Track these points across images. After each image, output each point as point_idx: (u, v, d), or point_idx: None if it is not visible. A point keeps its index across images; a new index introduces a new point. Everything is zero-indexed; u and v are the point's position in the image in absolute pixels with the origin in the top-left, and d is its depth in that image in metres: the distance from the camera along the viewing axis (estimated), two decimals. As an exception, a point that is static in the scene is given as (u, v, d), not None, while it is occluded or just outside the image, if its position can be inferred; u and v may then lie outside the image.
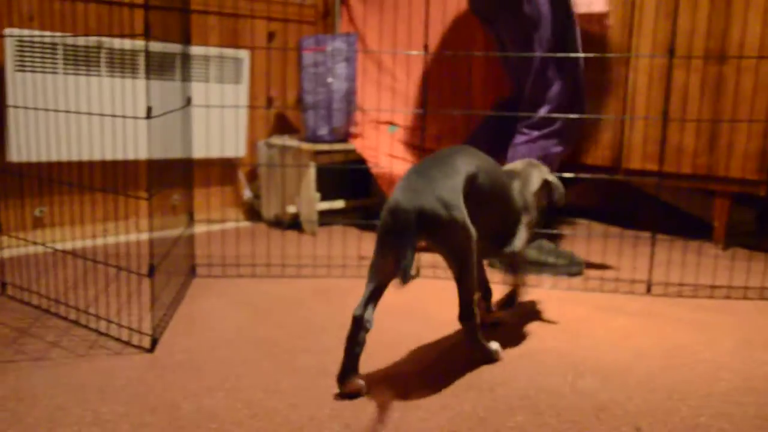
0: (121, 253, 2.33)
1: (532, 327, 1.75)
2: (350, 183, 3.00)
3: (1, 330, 1.64)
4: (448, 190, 1.34)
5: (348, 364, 1.34)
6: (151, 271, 1.56)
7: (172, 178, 1.91)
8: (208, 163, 2.79)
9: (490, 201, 1.49)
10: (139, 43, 2.43)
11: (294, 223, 2.79)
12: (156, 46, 1.63)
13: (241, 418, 1.25)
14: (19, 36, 2.20)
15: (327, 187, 2.81)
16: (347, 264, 2.28)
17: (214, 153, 2.71)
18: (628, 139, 2.68)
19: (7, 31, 2.20)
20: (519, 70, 2.32)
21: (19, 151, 2.26)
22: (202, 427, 1.21)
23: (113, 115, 1.70)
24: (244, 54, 2.74)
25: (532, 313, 1.86)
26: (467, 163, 1.42)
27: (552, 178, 1.73)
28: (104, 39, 2.37)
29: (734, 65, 2.43)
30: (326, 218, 2.82)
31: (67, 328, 1.66)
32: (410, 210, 1.29)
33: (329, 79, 2.68)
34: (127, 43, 2.42)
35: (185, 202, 2.18)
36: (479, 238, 1.41)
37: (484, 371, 1.48)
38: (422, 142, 2.68)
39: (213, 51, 2.66)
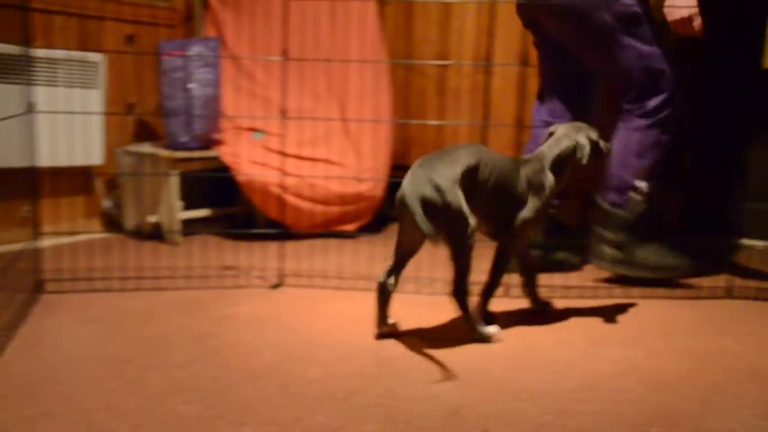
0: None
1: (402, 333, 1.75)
2: (216, 191, 2.92)
3: None
4: (444, 178, 1.56)
5: (381, 315, 1.70)
6: (-17, 289, 1.45)
7: (13, 189, 1.78)
8: (57, 172, 2.60)
9: (493, 191, 1.69)
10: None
11: (156, 234, 2.67)
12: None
13: (78, 444, 1.17)
14: None
15: (192, 195, 2.72)
16: (208, 275, 2.20)
17: (63, 161, 2.54)
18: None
19: None
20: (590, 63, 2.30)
21: None
22: (33, 456, 1.13)
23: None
24: (98, 57, 2.60)
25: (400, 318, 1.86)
26: (469, 155, 1.63)
27: (596, 137, 1.85)
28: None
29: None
30: (190, 227, 2.72)
31: None
32: (414, 197, 1.53)
33: (190, 85, 2.59)
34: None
35: (34, 213, 2.04)
36: (486, 223, 1.71)
37: (341, 380, 1.46)
38: (284, 148, 2.63)
39: (59, 54, 2.50)
